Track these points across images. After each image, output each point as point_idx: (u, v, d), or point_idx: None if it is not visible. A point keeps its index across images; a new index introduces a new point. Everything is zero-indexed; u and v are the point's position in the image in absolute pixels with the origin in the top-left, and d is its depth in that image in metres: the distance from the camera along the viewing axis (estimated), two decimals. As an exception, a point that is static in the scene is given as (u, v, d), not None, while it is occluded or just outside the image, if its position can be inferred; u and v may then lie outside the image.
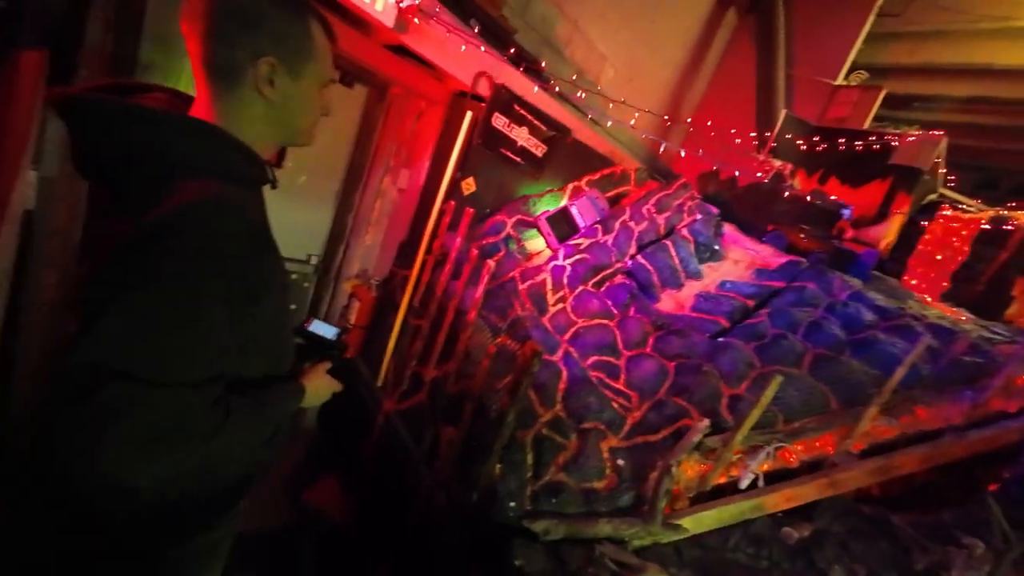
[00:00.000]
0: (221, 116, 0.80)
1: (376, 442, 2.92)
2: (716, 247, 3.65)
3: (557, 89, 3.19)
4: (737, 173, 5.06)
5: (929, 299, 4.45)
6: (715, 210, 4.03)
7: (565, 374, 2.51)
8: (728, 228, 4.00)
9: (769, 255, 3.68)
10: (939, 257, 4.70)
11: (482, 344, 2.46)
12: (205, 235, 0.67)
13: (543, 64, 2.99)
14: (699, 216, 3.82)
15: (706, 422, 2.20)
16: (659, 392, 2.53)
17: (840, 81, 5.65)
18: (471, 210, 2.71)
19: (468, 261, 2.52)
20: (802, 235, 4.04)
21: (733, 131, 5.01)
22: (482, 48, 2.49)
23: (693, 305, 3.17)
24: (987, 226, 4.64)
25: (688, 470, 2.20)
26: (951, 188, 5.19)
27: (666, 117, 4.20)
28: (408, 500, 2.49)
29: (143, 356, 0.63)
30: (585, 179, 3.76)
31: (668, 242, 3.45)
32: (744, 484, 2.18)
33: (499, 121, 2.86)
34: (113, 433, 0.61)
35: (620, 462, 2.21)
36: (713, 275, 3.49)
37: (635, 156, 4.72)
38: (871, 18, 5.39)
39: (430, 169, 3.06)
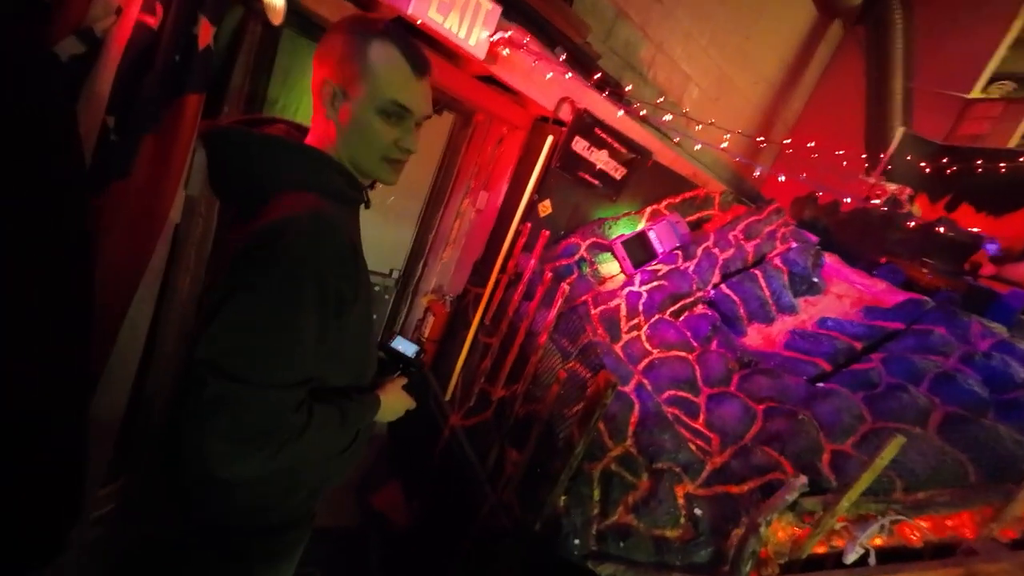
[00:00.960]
0: (319, 140, 0.89)
1: (441, 454, 2.97)
2: (815, 279, 3.28)
3: (643, 113, 3.13)
4: (848, 199, 4.55)
5: (1106, 355, 3.58)
6: (814, 238, 3.64)
7: (638, 407, 2.37)
8: (829, 259, 3.58)
9: (881, 291, 3.22)
10: (1120, 304, 3.78)
11: (551, 368, 2.42)
12: (303, 244, 0.73)
13: (628, 88, 2.96)
14: (794, 244, 3.47)
15: (803, 479, 1.93)
16: (744, 437, 2.28)
17: (976, 94, 4.89)
18: (547, 232, 2.72)
19: (542, 283, 2.52)
20: (925, 270, 3.48)
21: (839, 152, 4.53)
22: (567, 75, 2.53)
23: (786, 342, 2.86)
24: None
25: (779, 532, 1.94)
26: None
27: (760, 138, 3.91)
28: (470, 515, 2.49)
29: (241, 357, 0.69)
30: (665, 202, 3.61)
31: (758, 271, 3.17)
32: (851, 558, 1.87)
33: (579, 145, 2.87)
34: (212, 425, 0.67)
35: (697, 511, 2.01)
36: (811, 310, 3.13)
37: (719, 179, 4.46)
38: (1019, 22, 4.63)
39: (508, 191, 3.14)
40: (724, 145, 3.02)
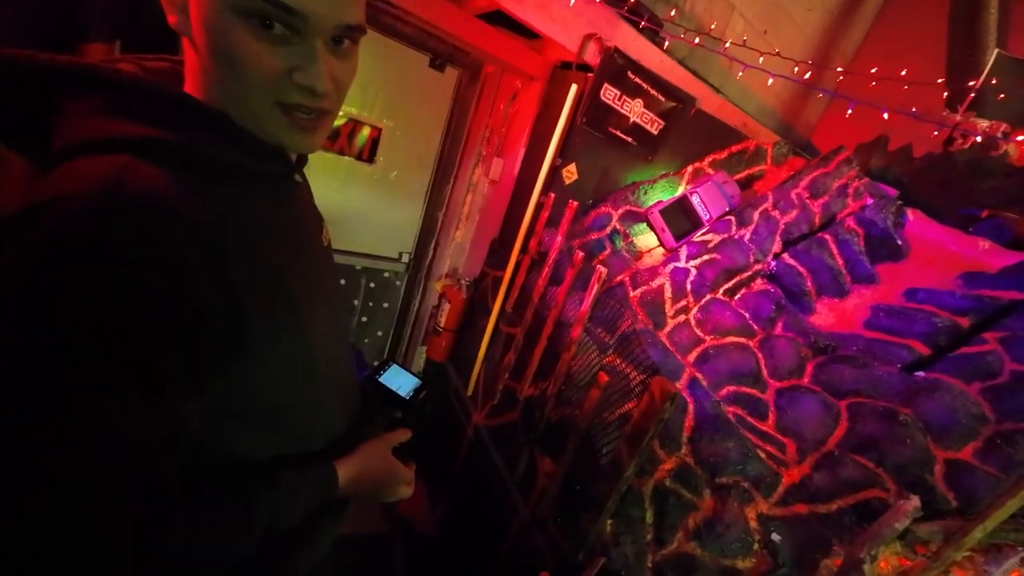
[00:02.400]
0: (193, 79, 0.55)
1: (465, 456, 2.70)
2: (898, 242, 2.73)
3: (666, 47, 2.57)
4: (912, 144, 3.87)
5: None
6: (893, 192, 3.06)
7: (692, 407, 1.99)
8: (913, 215, 3.01)
9: (984, 252, 2.66)
10: None
11: (588, 365, 2.06)
12: (81, 259, 0.41)
13: (671, 15, 2.40)
14: (871, 200, 2.91)
15: (916, 501, 1.54)
16: (828, 443, 1.88)
17: (1093, 1, 4.00)
18: (574, 203, 2.29)
19: (572, 264, 2.12)
20: (1034, 222, 2.88)
21: (909, 85, 3.81)
22: (583, 3, 2.02)
23: (867, 321, 2.39)
24: None
25: (882, 563, 1.57)
26: None
27: (807, 75, 3.25)
28: (500, 528, 2.22)
29: None
30: (709, 159, 3.08)
31: (827, 235, 2.66)
32: (980, 599, 1.49)
33: (609, 94, 2.38)
34: None
35: (775, 537, 1.66)
36: (894, 280, 2.62)
37: (770, 127, 3.84)
38: None
39: (526, 156, 2.69)
40: (771, 82, 2.47)
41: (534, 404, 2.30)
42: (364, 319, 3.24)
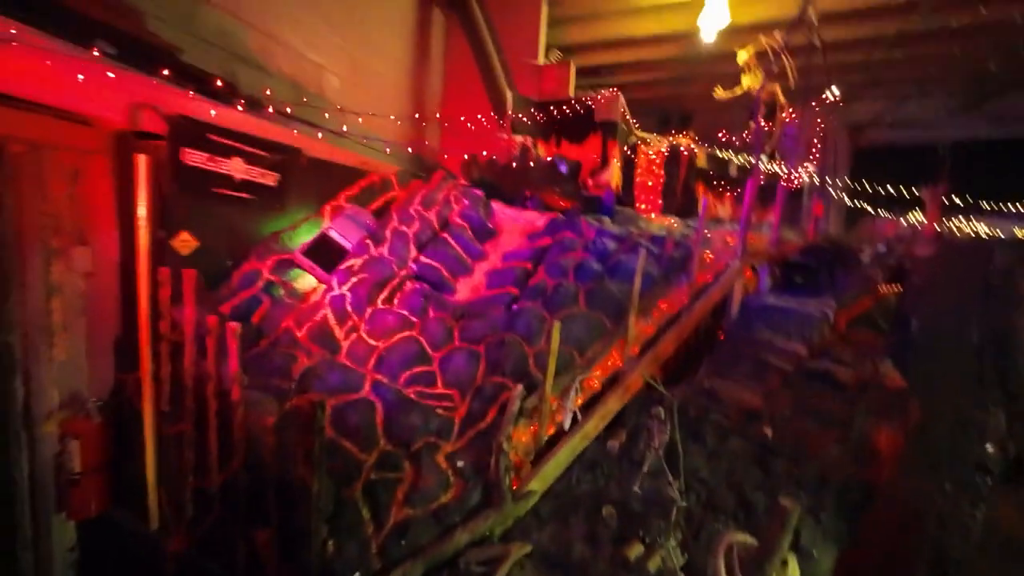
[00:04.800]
0: None
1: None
2: (490, 225, 3.91)
3: (288, 110, 2.81)
4: (495, 156, 5.53)
5: (653, 216, 5.77)
6: (479, 192, 4.31)
7: (379, 405, 2.31)
8: (496, 205, 4.33)
9: (534, 218, 4.13)
10: (649, 183, 6.12)
11: (261, 419, 2.05)
12: None
13: (219, 82, 2.56)
14: (467, 201, 4.01)
15: (519, 387, 2.33)
16: (476, 379, 2.57)
17: (542, 60, 6.68)
18: (192, 271, 2.19)
19: (209, 332, 2.04)
20: (555, 193, 4.68)
21: (473, 119, 5.42)
22: (110, 73, 1.97)
23: (487, 284, 3.33)
24: (667, 152, 6.22)
25: (521, 437, 2.30)
26: (641, 130, 6.76)
27: (393, 117, 4.23)
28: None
29: None
30: (343, 196, 3.51)
31: (445, 234, 3.52)
32: (568, 424, 2.40)
33: (195, 158, 2.37)
34: None
35: (460, 464, 2.16)
36: (496, 251, 3.74)
37: (397, 161, 4.66)
38: (544, 5, 6.48)
39: (122, 237, 2.36)
40: (362, 126, 3.08)
41: (230, 487, 2.11)
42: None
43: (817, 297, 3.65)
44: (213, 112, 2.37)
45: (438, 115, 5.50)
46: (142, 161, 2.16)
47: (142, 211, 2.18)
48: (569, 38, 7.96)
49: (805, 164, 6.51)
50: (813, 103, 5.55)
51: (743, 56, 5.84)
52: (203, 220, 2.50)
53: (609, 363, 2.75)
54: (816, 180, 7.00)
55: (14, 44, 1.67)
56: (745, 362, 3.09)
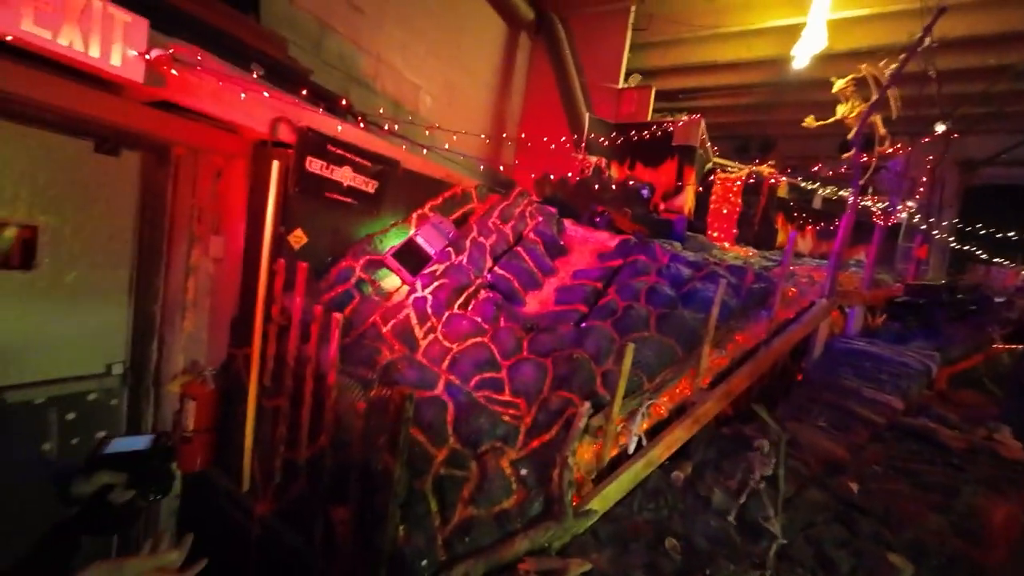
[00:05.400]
0: None
1: (256, 557, 2.44)
2: (561, 243, 3.98)
3: (375, 124, 3.13)
4: (569, 174, 5.65)
5: (727, 245, 5.55)
6: (553, 210, 4.41)
7: (451, 405, 2.44)
8: (568, 223, 4.41)
9: (605, 239, 4.16)
10: (724, 211, 5.91)
11: (352, 404, 2.25)
12: None
13: (347, 100, 2.90)
14: (541, 218, 4.13)
15: (587, 405, 2.35)
16: (543, 391, 2.62)
17: (622, 84, 6.75)
18: (305, 264, 2.47)
19: (314, 319, 2.29)
20: (626, 216, 4.68)
21: (550, 138, 5.58)
22: (265, 93, 2.30)
23: (555, 299, 3.40)
24: (747, 181, 5.99)
25: (584, 454, 2.31)
26: (719, 156, 6.58)
27: (483, 136, 4.48)
28: (313, 608, 2.13)
29: None
30: (428, 205, 3.76)
31: (519, 248, 3.65)
32: (632, 448, 2.38)
33: (315, 165, 2.69)
34: None
35: (523, 472, 2.22)
36: (566, 268, 3.80)
37: (474, 175, 4.92)
38: (628, 32, 6.57)
39: (248, 230, 2.72)
40: (454, 139, 3.30)
41: (315, 463, 2.32)
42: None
43: (919, 344, 3.32)
44: (340, 128, 2.67)
45: (520, 135, 5.74)
46: (275, 166, 2.49)
47: (270, 209, 2.50)
48: (651, 63, 7.98)
49: (907, 202, 5.96)
50: (922, 137, 5.10)
51: (840, 84, 5.53)
52: (313, 220, 2.80)
53: (677, 391, 2.69)
54: (918, 219, 6.36)
55: (195, 67, 2.01)
56: (826, 409, 2.88)
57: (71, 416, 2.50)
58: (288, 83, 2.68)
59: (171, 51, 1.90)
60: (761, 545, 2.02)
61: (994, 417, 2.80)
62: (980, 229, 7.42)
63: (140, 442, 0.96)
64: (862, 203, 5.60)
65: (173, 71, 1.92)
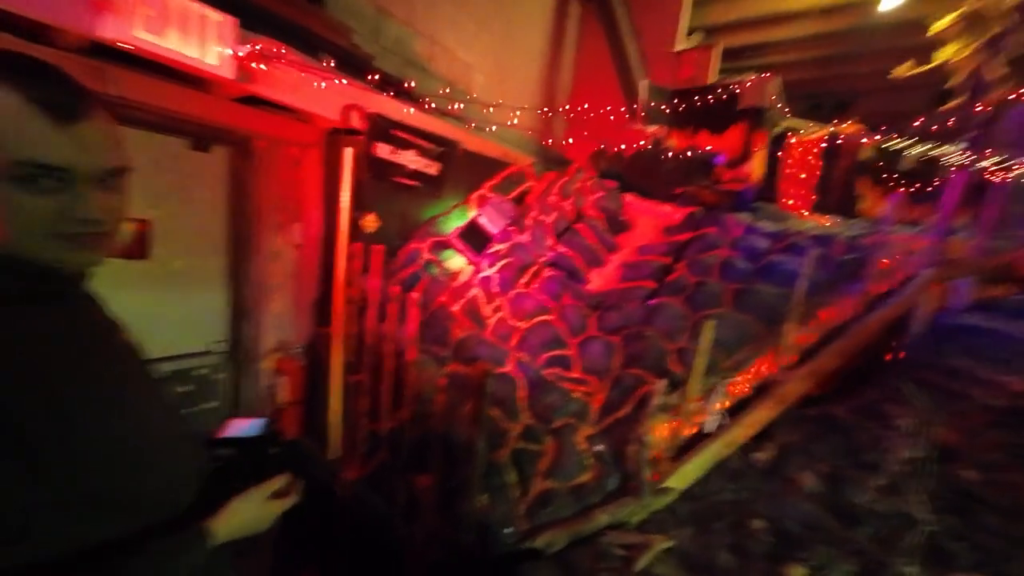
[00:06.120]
0: None
1: (345, 519, 2.66)
2: (622, 218, 3.85)
3: (432, 105, 3.15)
4: (623, 147, 5.42)
5: (805, 213, 5.10)
6: (613, 184, 4.26)
7: (522, 381, 2.47)
8: (629, 197, 4.25)
9: (670, 212, 3.96)
10: (802, 176, 5.41)
11: (431, 379, 2.34)
12: None
13: (410, 84, 2.93)
14: (601, 193, 4.00)
15: (663, 382, 2.29)
16: (614, 368, 2.59)
17: (681, 46, 6.29)
18: (381, 247, 2.57)
19: (391, 300, 2.39)
20: (688, 187, 4.42)
21: (607, 108, 5.35)
22: (338, 81, 2.37)
23: (620, 276, 3.31)
24: (825, 143, 5.43)
25: (660, 432, 2.27)
26: (791, 117, 6.00)
27: (545, 109, 4.38)
28: (400, 565, 2.30)
29: None
30: (487, 186, 3.77)
31: (580, 225, 3.57)
32: (711, 427, 2.30)
33: (383, 150, 2.76)
34: None
35: (599, 448, 2.22)
36: (629, 244, 3.68)
37: (527, 152, 4.84)
38: (690, -13, 6.07)
39: (324, 216, 2.86)
40: (516, 121, 3.26)
41: (397, 434, 2.46)
42: (186, 428, 2.84)
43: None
44: (411, 111, 2.71)
45: (569, 108, 5.55)
46: (348, 153, 2.59)
47: (345, 195, 2.61)
48: (712, 18, 7.36)
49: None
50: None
51: (942, 23, 4.80)
52: (384, 204, 2.90)
53: (757, 370, 2.55)
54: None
55: (277, 60, 2.09)
56: (933, 390, 2.61)
57: (185, 388, 2.81)
58: (354, 70, 2.74)
59: (258, 47, 2.00)
60: (859, 531, 1.89)
61: None
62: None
63: (255, 428, 1.02)
64: (972, 160, 4.92)
65: (262, 66, 2.02)
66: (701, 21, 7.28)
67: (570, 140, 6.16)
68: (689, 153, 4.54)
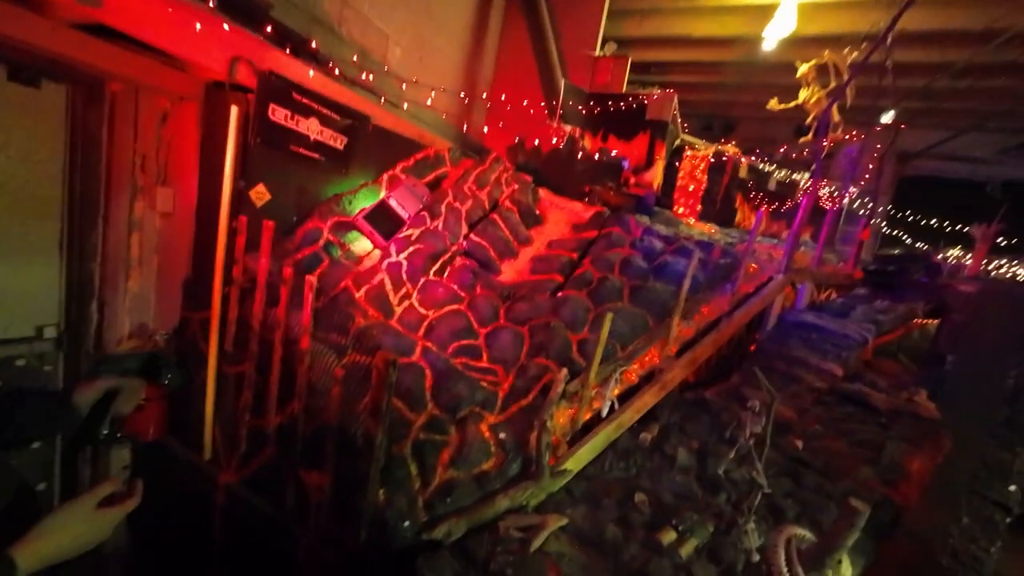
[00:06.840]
0: None
1: (222, 526, 2.37)
2: (536, 211, 3.95)
3: (341, 73, 2.88)
4: (537, 142, 5.55)
5: (692, 221, 5.75)
6: (528, 178, 4.34)
7: (429, 371, 2.41)
8: (543, 192, 4.37)
9: (580, 210, 4.17)
10: (691, 188, 6.08)
11: (326, 370, 2.17)
12: None
13: (313, 44, 2.63)
14: (516, 185, 4.05)
15: (564, 372, 2.41)
16: (520, 358, 2.65)
17: (598, 52, 6.61)
18: (271, 222, 2.29)
19: (284, 282, 2.15)
20: (599, 188, 4.70)
21: (527, 103, 5.43)
22: (225, 25, 2.04)
23: (531, 268, 3.40)
24: (712, 159, 6.16)
25: (560, 418, 2.39)
26: (688, 133, 6.69)
27: (463, 94, 4.29)
28: (289, 569, 2.11)
29: None
30: (400, 167, 3.58)
31: (495, 216, 3.58)
32: (605, 412, 2.48)
33: (278, 114, 2.45)
34: None
35: (502, 436, 2.26)
36: (541, 238, 3.79)
37: (444, 136, 4.71)
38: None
39: (201, 182, 2.47)
40: (429, 102, 3.13)
41: (287, 429, 2.24)
42: (-4, 434, 2.26)
43: (858, 316, 3.65)
44: (312, 73, 2.44)
45: (490, 97, 5.51)
46: (234, 112, 2.25)
47: (229, 160, 2.27)
48: (625, 31, 7.85)
49: (852, 188, 6.39)
50: (871, 126, 5.42)
51: (803, 68, 5.71)
52: (277, 175, 2.59)
53: (647, 359, 2.82)
54: (861, 204, 6.86)
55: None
56: (778, 375, 3.13)
57: (-4, 383, 2.24)
58: (245, 18, 2.38)
59: (107, -37, 1.62)
60: (719, 497, 2.20)
61: (914, 382, 3.17)
62: (909, 216, 8.14)
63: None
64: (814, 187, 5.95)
65: (111, -12, 1.65)
66: (616, 32, 7.74)
67: (487, 129, 6.15)
68: (599, 155, 4.81)
